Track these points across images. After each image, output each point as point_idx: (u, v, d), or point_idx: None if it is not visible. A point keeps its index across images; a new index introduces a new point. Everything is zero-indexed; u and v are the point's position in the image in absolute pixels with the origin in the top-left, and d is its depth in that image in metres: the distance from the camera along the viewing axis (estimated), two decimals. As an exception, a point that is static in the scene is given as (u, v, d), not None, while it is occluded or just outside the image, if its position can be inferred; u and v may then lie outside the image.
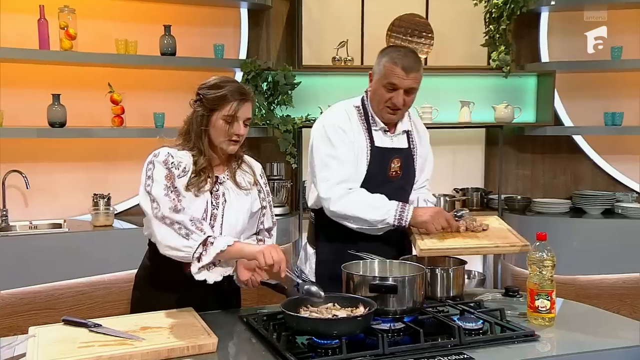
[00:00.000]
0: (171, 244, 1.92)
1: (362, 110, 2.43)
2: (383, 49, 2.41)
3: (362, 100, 2.45)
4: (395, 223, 2.28)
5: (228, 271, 2.00)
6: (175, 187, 1.98)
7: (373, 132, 2.40)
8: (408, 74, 2.28)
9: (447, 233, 2.28)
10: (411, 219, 2.26)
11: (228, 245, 1.90)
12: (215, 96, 2.03)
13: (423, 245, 2.18)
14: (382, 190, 2.36)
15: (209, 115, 2.04)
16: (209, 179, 2.05)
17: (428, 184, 2.64)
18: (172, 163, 2.01)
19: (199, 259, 1.89)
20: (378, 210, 2.28)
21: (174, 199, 1.96)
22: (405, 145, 2.47)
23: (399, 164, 2.42)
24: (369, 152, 2.38)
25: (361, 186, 2.36)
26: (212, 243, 1.90)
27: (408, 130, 2.48)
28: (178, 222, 1.92)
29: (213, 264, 1.93)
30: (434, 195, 4.11)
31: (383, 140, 2.41)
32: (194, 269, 1.89)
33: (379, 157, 2.39)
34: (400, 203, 2.30)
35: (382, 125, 2.41)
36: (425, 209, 2.37)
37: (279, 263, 1.88)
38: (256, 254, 1.90)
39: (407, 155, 2.46)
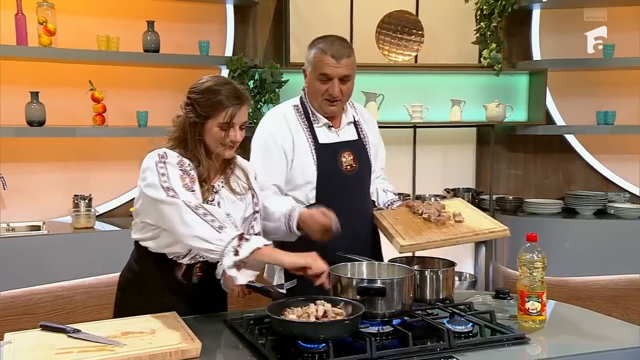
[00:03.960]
0: (201, 234, 1.78)
1: (301, 109, 2.39)
2: (312, 41, 2.36)
3: (301, 98, 2.42)
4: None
5: (254, 275, 1.89)
6: (193, 191, 1.88)
7: (316, 129, 2.36)
8: (339, 61, 2.26)
9: (423, 225, 2.25)
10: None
11: (265, 245, 1.81)
12: (209, 102, 1.91)
13: (402, 241, 2.15)
14: (342, 187, 2.32)
15: (203, 123, 1.93)
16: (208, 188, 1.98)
17: (383, 173, 2.62)
18: (188, 165, 1.92)
19: (236, 253, 1.77)
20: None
21: (194, 196, 1.87)
22: (355, 137, 2.43)
23: (352, 157, 2.37)
24: (313, 150, 2.33)
25: (317, 185, 2.31)
26: (247, 239, 1.79)
27: (355, 121, 2.45)
28: (212, 214, 1.81)
29: (244, 262, 1.81)
30: (422, 196, 4.13)
31: (328, 136, 2.37)
32: (228, 261, 1.77)
33: (326, 154, 2.34)
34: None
35: (325, 121, 2.38)
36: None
37: (326, 271, 1.85)
38: (311, 263, 1.82)
39: (359, 147, 2.42)
